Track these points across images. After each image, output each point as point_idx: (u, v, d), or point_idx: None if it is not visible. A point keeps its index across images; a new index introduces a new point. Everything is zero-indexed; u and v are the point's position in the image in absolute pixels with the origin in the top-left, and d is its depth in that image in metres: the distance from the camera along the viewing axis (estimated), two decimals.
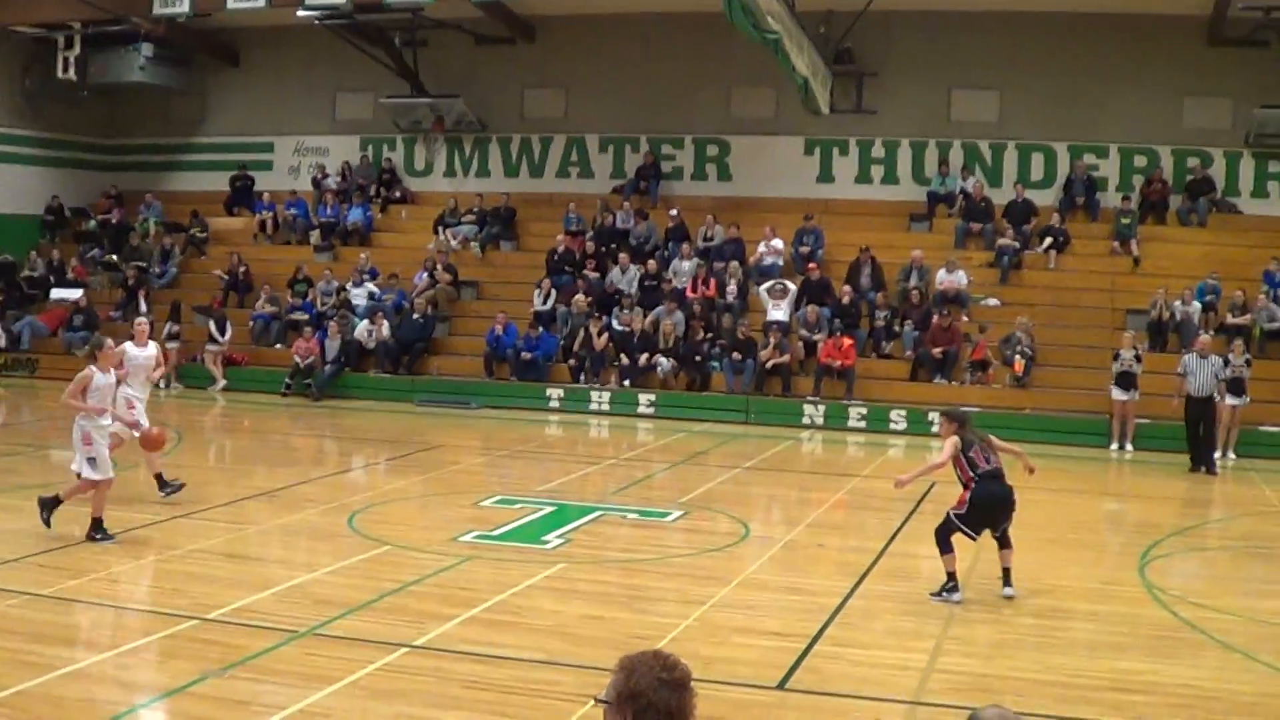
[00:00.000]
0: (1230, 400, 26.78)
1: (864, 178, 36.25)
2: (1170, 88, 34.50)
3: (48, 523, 15.47)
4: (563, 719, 9.88)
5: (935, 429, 14.15)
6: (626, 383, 31.00)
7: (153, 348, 18.52)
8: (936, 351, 29.92)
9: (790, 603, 13.92)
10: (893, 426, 29.06)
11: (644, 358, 30.98)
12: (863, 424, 29.22)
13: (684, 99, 36.70)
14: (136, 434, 17.53)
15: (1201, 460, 25.41)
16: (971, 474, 14.13)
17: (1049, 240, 33.23)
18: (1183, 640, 13.34)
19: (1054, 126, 35.11)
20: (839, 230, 34.45)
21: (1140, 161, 35.03)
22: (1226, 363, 26.63)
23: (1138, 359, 27.65)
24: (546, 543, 16.40)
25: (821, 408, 29.48)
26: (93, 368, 15.70)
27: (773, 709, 10.70)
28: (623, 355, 31.33)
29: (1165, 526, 19.42)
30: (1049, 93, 34.88)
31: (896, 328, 31.26)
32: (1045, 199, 34.80)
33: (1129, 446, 27.60)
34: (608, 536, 17.27)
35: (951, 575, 14.11)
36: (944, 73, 35.40)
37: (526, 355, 31.64)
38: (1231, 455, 27.15)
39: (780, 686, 11.15)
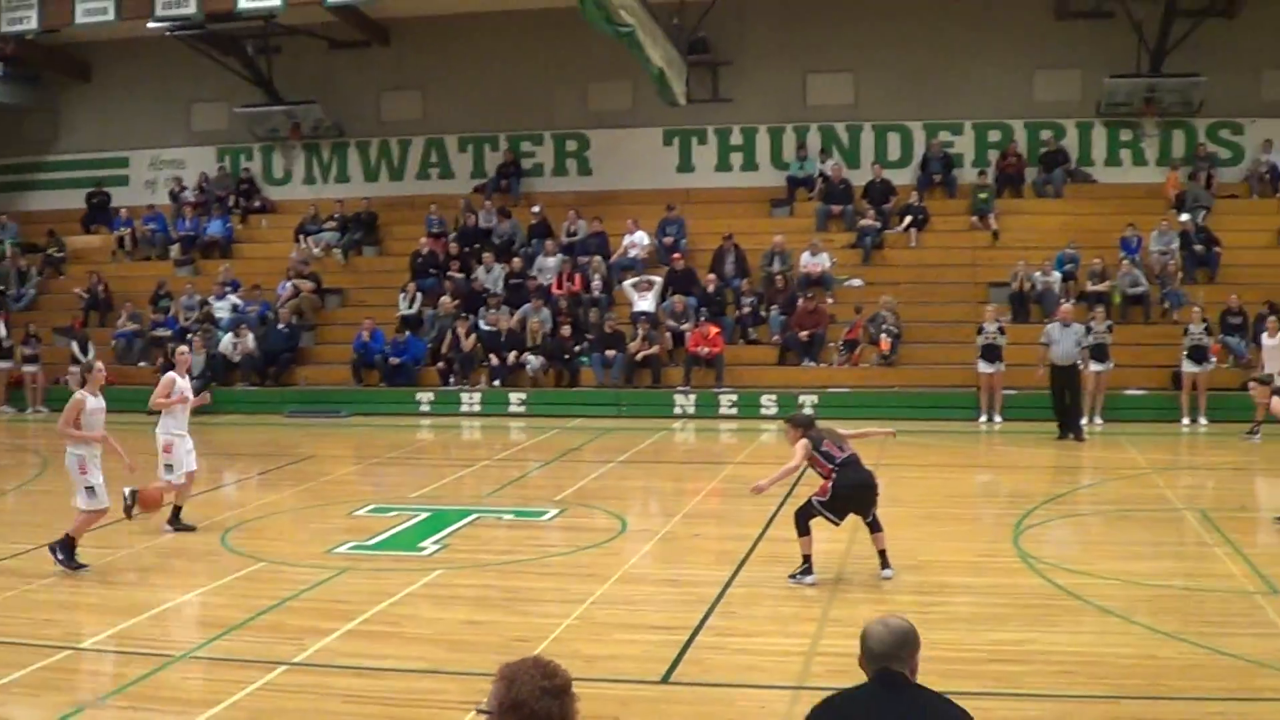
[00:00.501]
0: (1094, 367, 27.23)
1: (723, 165, 36.37)
2: (1020, 62, 35.02)
3: (71, 565, 14.96)
4: None
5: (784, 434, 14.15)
6: (496, 383, 30.89)
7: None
8: (803, 335, 30.09)
9: (670, 595, 13.95)
10: (764, 412, 29.16)
11: (513, 356, 30.89)
12: (734, 411, 29.33)
13: (541, 95, 36.64)
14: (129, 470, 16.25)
15: (1069, 428, 25.80)
16: (831, 466, 14.31)
17: (909, 219, 33.55)
18: (1061, 607, 13.52)
19: (909, 106, 35.48)
20: (701, 219, 34.55)
21: (994, 136, 35.49)
22: (1089, 330, 27.07)
23: (1001, 331, 28.03)
24: (423, 549, 16.27)
25: (692, 397, 29.55)
26: (83, 392, 15.25)
27: (658, 704, 10.68)
28: (491, 355, 31.20)
29: (1037, 495, 19.65)
30: (902, 73, 35.24)
31: (763, 313, 31.40)
32: (903, 178, 35.16)
33: (997, 418, 27.97)
34: (485, 539, 17.18)
35: (807, 559, 14.27)
36: (798, 58, 35.64)
37: (394, 360, 31.42)
38: (1098, 421, 27.60)
39: (665, 680, 11.15)
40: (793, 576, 14.26)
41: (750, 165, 36.26)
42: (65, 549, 14.92)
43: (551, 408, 29.75)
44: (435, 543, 16.59)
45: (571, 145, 37.00)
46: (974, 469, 23.93)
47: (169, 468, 17.15)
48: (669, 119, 35.16)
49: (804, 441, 14.38)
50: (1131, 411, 28.04)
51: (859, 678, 11.33)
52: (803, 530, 14.30)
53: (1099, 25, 33.85)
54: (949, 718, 5.89)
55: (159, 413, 17.65)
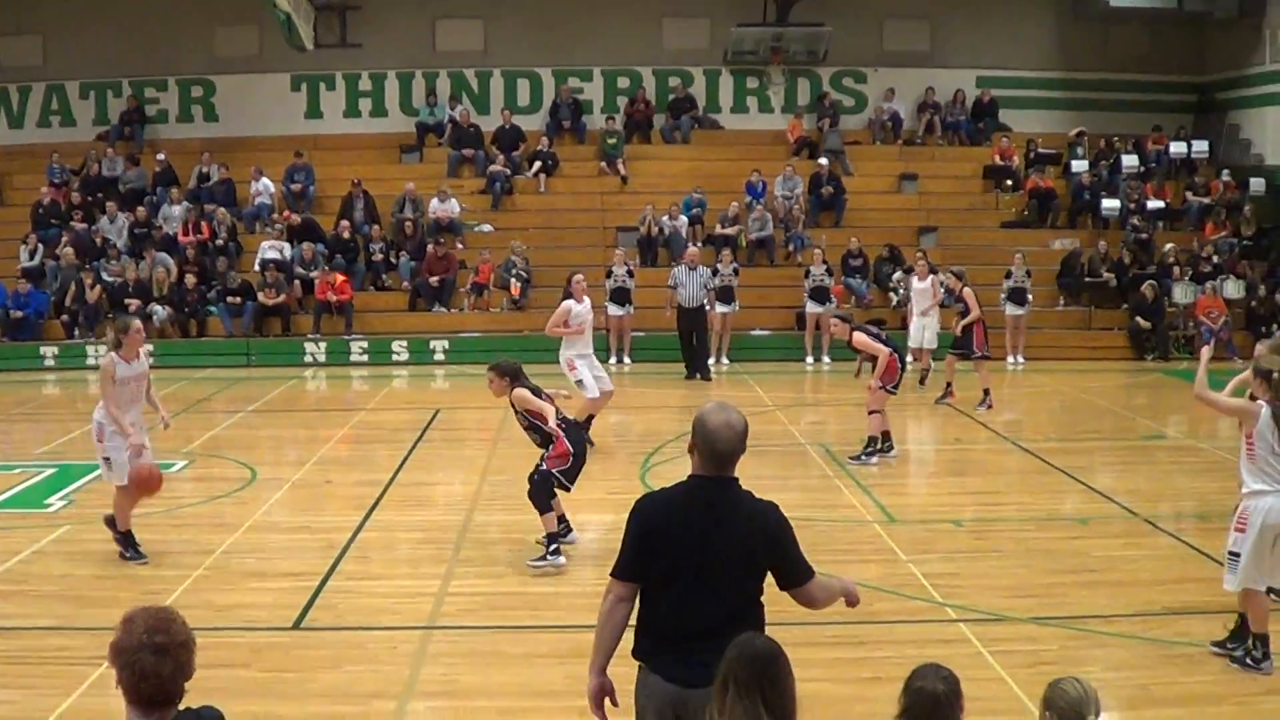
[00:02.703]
0: (720, 308, 27.99)
1: (353, 111, 35.98)
2: (650, 10, 35.60)
3: (132, 549, 13.30)
4: (78, 683, 9.65)
5: (489, 385, 13.46)
6: None
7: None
8: (434, 280, 30.11)
9: (302, 542, 13.94)
10: (395, 358, 29.11)
11: (136, 306, 30.07)
12: (365, 358, 29.15)
13: (166, 40, 35.52)
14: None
15: (696, 368, 26.53)
16: (556, 421, 13.28)
17: (538, 164, 33.80)
18: None
19: (539, 52, 35.67)
20: (330, 165, 34.12)
21: (624, 83, 35.99)
22: (715, 273, 27.81)
23: (630, 274, 28.58)
24: (50, 505, 15.88)
25: (323, 345, 29.29)
26: (114, 356, 13.34)
27: (290, 649, 10.74)
28: (116, 307, 30.30)
29: (665, 434, 20.16)
30: (532, 19, 35.41)
31: (393, 259, 31.26)
32: (533, 124, 35.35)
33: (627, 359, 28.53)
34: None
35: (553, 537, 13.02)
36: (427, 3, 35.44)
37: (17, 314, 30.28)
38: (725, 361, 28.41)
39: (296, 626, 11.21)
40: (539, 561, 12.89)
41: (380, 111, 35.95)
42: (123, 537, 13.39)
43: (179, 359, 29.06)
44: (62, 499, 16.19)
45: (197, 91, 35.99)
46: (605, 410, 24.34)
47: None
48: (297, 64, 34.61)
49: (523, 393, 13.19)
50: (757, 351, 28.95)
51: (490, 616, 11.64)
52: (546, 507, 13.04)
53: None
54: (754, 510, 6.41)
55: None
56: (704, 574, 6.24)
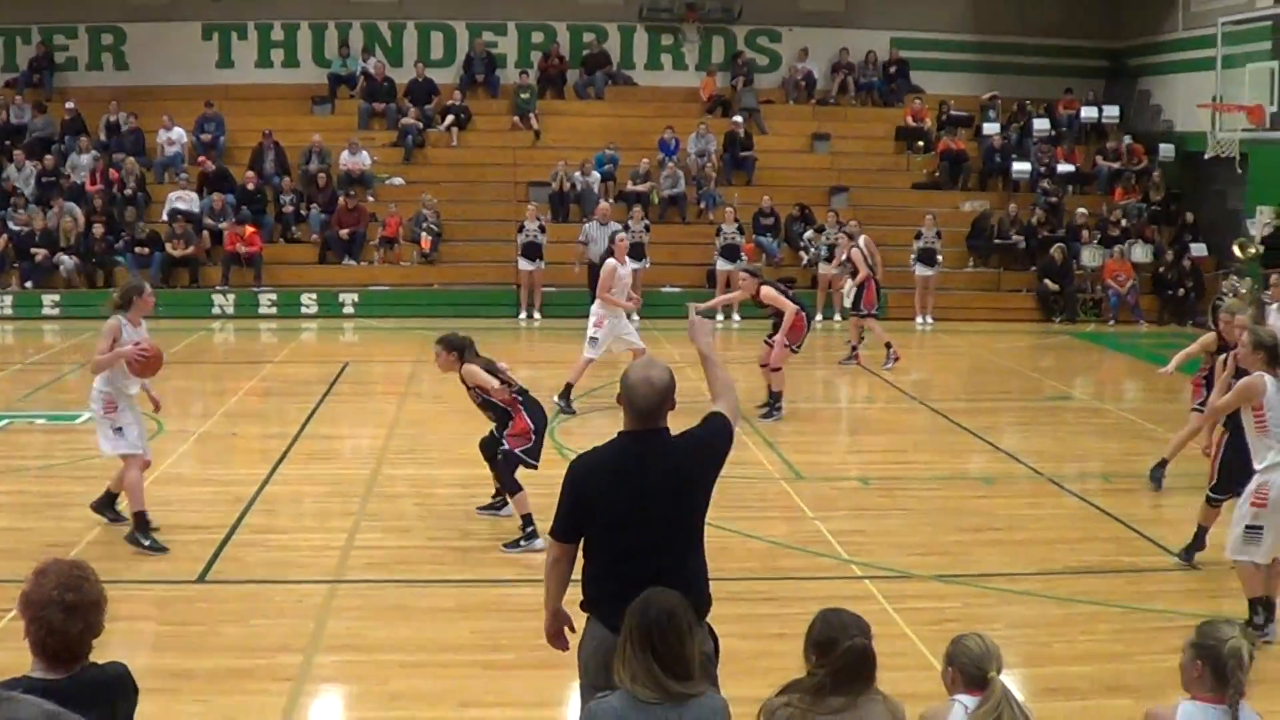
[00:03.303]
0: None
1: (264, 62, 35.52)
2: None
3: (151, 537, 12.23)
4: None
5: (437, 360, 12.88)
6: (29, 284, 29.64)
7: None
8: (344, 233, 29.89)
9: (208, 495, 13.83)
10: (304, 311, 28.87)
11: (43, 256, 29.68)
12: (274, 310, 28.91)
13: None
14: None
15: None
16: (513, 393, 12.72)
17: (451, 118, 33.58)
18: None
19: (453, 6, 35.40)
20: (241, 116, 33.72)
21: (538, 38, 35.79)
22: (626, 229, 27.74)
23: (541, 230, 28.53)
24: None
25: (231, 297, 29.01)
26: (120, 318, 12.30)
27: (195, 602, 10.69)
28: (23, 256, 29.89)
29: (576, 389, 20.09)
30: None
31: (303, 211, 31.00)
32: (446, 77, 35.10)
33: (537, 315, 28.50)
34: (19, 445, 16.65)
35: (528, 518, 12.29)
36: None
37: None
38: (635, 317, 28.32)
39: (201, 580, 11.15)
40: (513, 545, 12.28)
41: (292, 62, 35.53)
42: (138, 525, 12.23)
43: (87, 309, 28.52)
44: None
45: (108, 39, 35.37)
46: (516, 365, 24.23)
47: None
48: (209, 13, 34.24)
49: (473, 368, 12.64)
50: (667, 308, 28.91)
51: (396, 570, 11.64)
52: (515, 487, 12.45)
53: None
54: (676, 445, 6.60)
55: None
56: (641, 525, 6.43)
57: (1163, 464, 14.86)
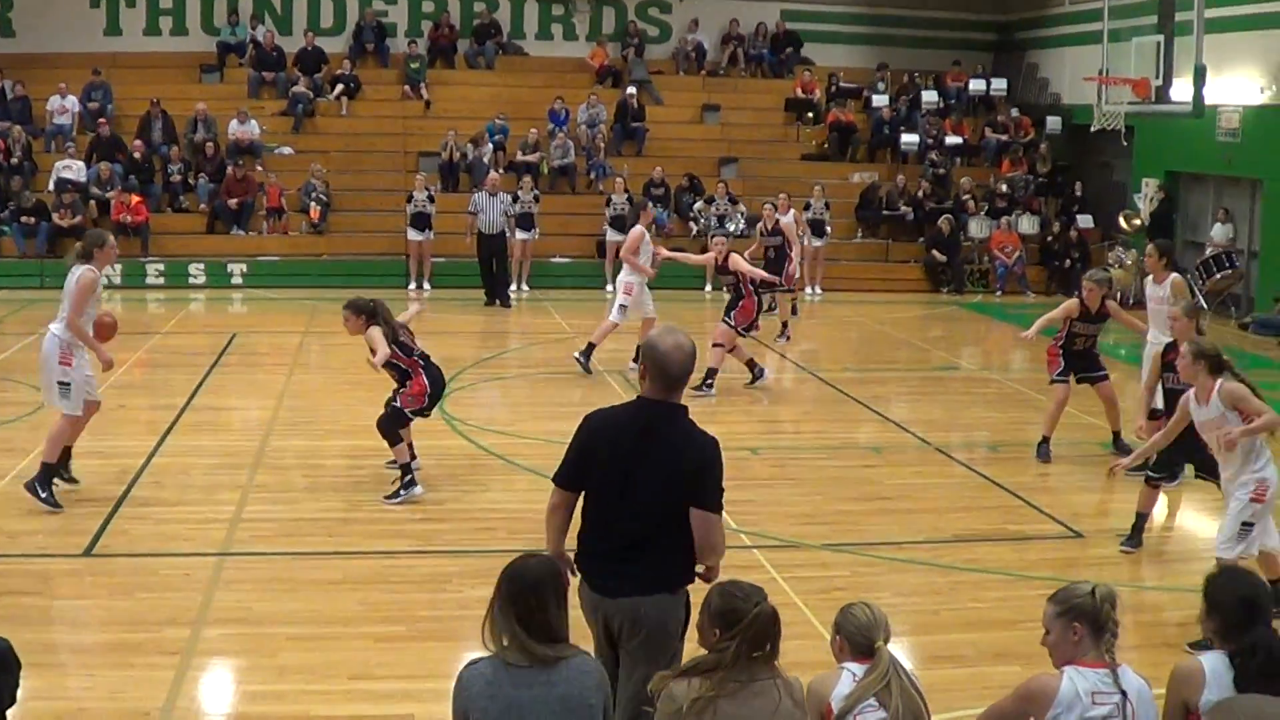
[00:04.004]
0: (520, 235, 27.95)
1: (153, 29, 34.95)
2: None
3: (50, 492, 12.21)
4: None
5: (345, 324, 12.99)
6: None
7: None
8: (232, 203, 29.56)
9: (95, 467, 13.62)
10: (192, 281, 28.50)
11: None
12: (161, 280, 28.53)
13: None
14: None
15: (496, 294, 26.52)
16: (411, 358, 12.97)
17: (340, 87, 33.28)
18: (485, 467, 14.08)
19: None
20: (129, 84, 33.17)
21: (429, 7, 35.50)
22: (516, 199, 27.74)
23: (431, 200, 28.37)
24: None
25: (118, 267, 28.50)
26: (91, 268, 12.46)
27: (82, 576, 10.63)
28: None
29: (465, 360, 20.09)
30: None
31: (191, 181, 30.64)
32: (336, 46, 34.72)
33: (427, 285, 28.35)
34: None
35: (407, 468, 12.83)
36: None
37: None
38: (525, 287, 28.40)
39: (88, 553, 11.04)
40: (393, 496, 12.69)
41: (181, 30, 34.98)
42: (43, 475, 12.23)
43: None
44: None
45: None
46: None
47: (63, 388, 12.54)
48: None
49: (376, 330, 12.72)
50: (556, 279, 28.95)
51: (284, 543, 11.59)
52: (395, 439, 12.85)
53: None
54: (693, 438, 6.63)
55: None
56: (629, 491, 6.54)
57: (1044, 441, 15.14)
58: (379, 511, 12.30)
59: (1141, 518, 11.85)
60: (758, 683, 5.48)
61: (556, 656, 5.40)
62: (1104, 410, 15.32)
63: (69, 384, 12.37)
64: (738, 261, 18.56)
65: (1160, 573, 11.38)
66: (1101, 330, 15.21)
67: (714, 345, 18.38)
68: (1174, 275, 14.72)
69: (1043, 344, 15.74)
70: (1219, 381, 9.92)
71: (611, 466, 6.57)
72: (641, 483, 6.52)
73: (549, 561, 5.69)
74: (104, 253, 12.61)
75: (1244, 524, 9.95)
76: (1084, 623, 5.87)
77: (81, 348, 12.47)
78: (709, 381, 18.11)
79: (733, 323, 18.24)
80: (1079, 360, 15.05)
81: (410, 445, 13.16)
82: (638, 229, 19.72)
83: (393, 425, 12.86)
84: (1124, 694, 5.79)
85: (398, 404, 12.89)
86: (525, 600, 5.41)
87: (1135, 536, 11.82)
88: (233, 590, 10.26)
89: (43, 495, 12.04)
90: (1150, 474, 11.75)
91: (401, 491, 12.63)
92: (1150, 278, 15.03)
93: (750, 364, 18.80)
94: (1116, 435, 15.07)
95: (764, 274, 19.14)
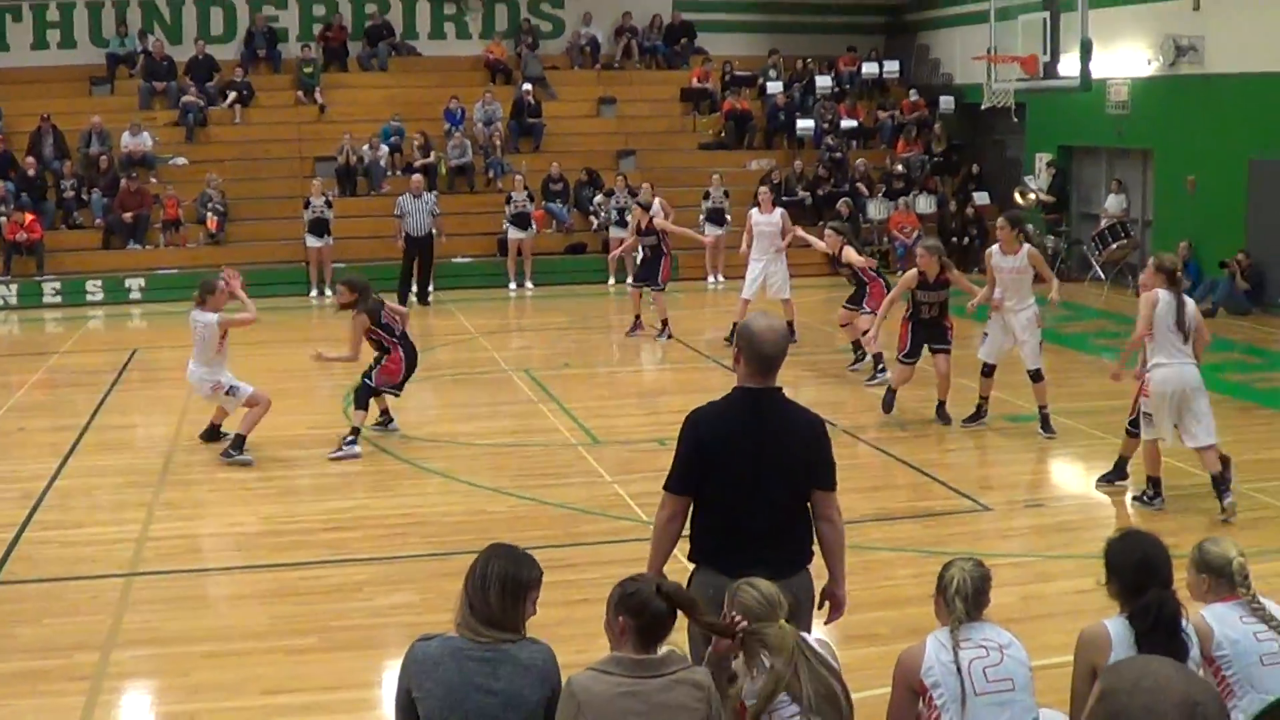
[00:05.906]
0: (515, 234, 28.35)
1: (41, 43, 34.48)
2: None
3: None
4: None
5: (331, 300, 14.04)
6: None
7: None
8: (128, 216, 29.25)
9: None
10: (90, 298, 28.10)
11: None
12: (58, 299, 28.16)
13: None
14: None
15: (419, 295, 26.65)
16: (393, 337, 14.57)
17: (233, 95, 33.01)
18: (394, 473, 14.00)
19: None
20: (18, 100, 32.68)
21: (320, 10, 35.26)
22: (510, 200, 28.20)
23: (329, 205, 28.24)
24: None
25: (14, 287, 28.19)
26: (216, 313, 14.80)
27: None
28: None
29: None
30: None
31: (84, 196, 30.27)
32: (227, 53, 34.40)
33: (328, 291, 28.14)
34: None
35: (357, 431, 14.40)
36: None
37: None
38: (529, 285, 28.55)
39: None
40: (337, 450, 14.30)
41: (69, 43, 34.54)
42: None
43: None
44: None
45: None
46: (307, 343, 23.99)
47: (233, 390, 14.90)
48: None
49: (362, 317, 14.52)
50: (459, 279, 28.84)
51: (193, 559, 11.48)
52: (363, 405, 14.60)
53: None
54: (803, 417, 6.86)
55: None
56: (756, 482, 6.54)
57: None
58: (287, 522, 12.24)
59: (1123, 460, 12.87)
60: (675, 688, 5.39)
61: (504, 639, 5.53)
62: (936, 382, 16.04)
63: (235, 387, 14.62)
64: (851, 255, 19.00)
65: (1066, 540, 11.52)
66: (948, 296, 15.96)
67: (862, 335, 18.82)
68: (1028, 246, 15.48)
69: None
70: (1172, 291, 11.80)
71: (731, 461, 6.55)
72: (768, 474, 6.55)
73: (523, 556, 5.76)
74: (216, 298, 14.73)
75: (1144, 413, 11.97)
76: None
77: (223, 370, 14.80)
78: (880, 368, 18.45)
79: (866, 309, 18.64)
80: (928, 330, 15.88)
81: (386, 410, 15.26)
82: (752, 213, 22.19)
83: (365, 394, 14.57)
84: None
85: (370, 381, 14.52)
86: (485, 590, 5.54)
87: (1112, 476, 12.92)
88: (142, 610, 10.16)
89: (236, 455, 14.00)
90: (1130, 428, 12.64)
91: (344, 447, 14.15)
92: (997, 246, 15.36)
93: (855, 345, 19.57)
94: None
95: (873, 264, 19.75)
